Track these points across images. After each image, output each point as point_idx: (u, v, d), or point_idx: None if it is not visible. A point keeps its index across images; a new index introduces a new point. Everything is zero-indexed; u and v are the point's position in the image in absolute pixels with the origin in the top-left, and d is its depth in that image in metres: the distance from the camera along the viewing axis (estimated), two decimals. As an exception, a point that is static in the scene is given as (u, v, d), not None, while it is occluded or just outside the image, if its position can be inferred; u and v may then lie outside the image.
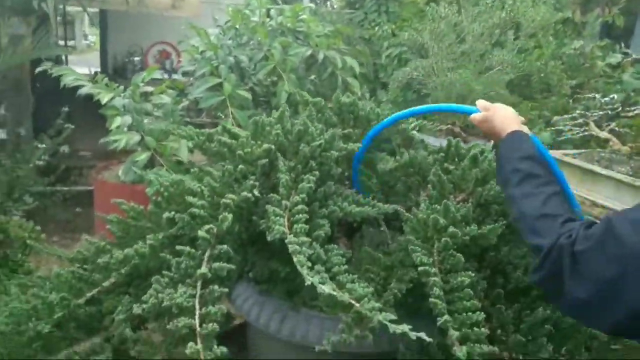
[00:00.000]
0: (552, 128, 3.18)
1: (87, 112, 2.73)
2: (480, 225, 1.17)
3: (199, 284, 0.98)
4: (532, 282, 0.93)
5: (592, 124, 2.29)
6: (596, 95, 2.30)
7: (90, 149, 4.89)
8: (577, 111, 2.38)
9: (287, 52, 2.63)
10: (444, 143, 1.50)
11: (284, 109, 1.28)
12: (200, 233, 1.02)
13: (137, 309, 0.98)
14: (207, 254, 1.03)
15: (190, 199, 1.10)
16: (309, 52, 2.79)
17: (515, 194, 0.97)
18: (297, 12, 2.89)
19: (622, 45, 3.77)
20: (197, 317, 0.92)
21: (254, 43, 2.76)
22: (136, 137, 2.25)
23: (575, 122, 2.32)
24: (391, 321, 0.88)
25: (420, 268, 0.98)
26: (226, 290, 1.00)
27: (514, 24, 3.07)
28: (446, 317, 0.88)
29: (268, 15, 2.95)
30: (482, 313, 0.91)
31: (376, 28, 4.36)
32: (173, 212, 1.20)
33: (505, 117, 1.10)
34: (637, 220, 0.77)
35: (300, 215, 1.02)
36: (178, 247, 1.04)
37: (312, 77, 3.16)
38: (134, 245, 1.19)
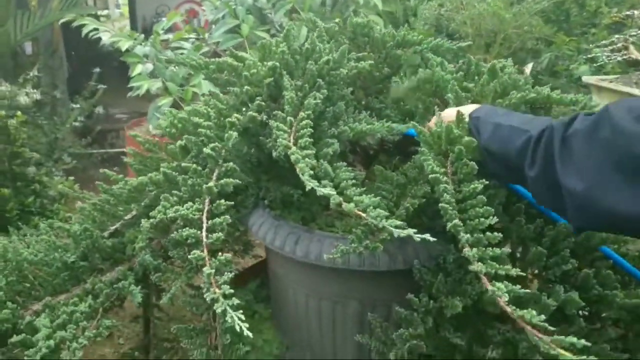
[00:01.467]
0: (590, 57, 3.01)
1: (123, 76, 2.76)
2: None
3: (206, 199, 0.98)
4: (530, 189, 0.85)
5: (631, 47, 2.13)
6: (634, 11, 2.13)
7: (127, 111, 5.00)
8: (616, 35, 2.22)
9: (306, -10, 2.54)
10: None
11: (289, 27, 1.24)
12: (206, 150, 1.01)
13: (145, 224, 0.99)
14: (215, 173, 1.02)
15: (196, 119, 1.09)
16: (329, -9, 2.70)
17: (500, 120, 0.92)
18: (316, -50, 2.78)
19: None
20: (204, 229, 0.92)
21: (272, -17, 2.69)
22: (157, 83, 2.26)
23: (614, 46, 2.17)
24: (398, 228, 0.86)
25: (431, 176, 0.94)
26: (231, 202, 0.99)
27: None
28: (455, 221, 0.85)
29: (287, -44, 2.86)
30: (495, 217, 0.87)
31: (403, -33, 4.16)
32: (184, 141, 1.19)
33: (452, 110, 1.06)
34: (635, 107, 0.70)
35: (305, 130, 0.99)
36: (184, 164, 1.04)
37: (336, 20, 3.08)
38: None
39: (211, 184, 0.98)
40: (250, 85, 1.16)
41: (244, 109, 1.16)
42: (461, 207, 0.94)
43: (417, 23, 3.37)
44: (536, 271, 1.08)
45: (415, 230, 0.83)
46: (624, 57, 2.13)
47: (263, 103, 1.12)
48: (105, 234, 1.32)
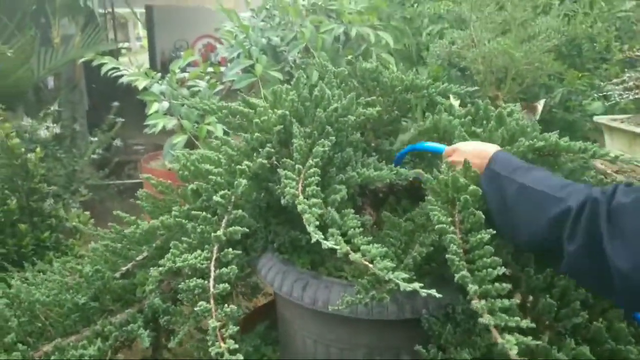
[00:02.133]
0: (602, 95, 3.00)
1: (141, 109, 2.84)
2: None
3: (215, 247, 0.99)
4: (567, 263, 0.80)
5: (644, 86, 2.13)
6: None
7: (144, 142, 5.09)
8: (627, 74, 2.22)
9: (319, 30, 2.61)
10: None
11: (299, 75, 1.27)
12: (216, 198, 1.03)
13: (154, 272, 1.00)
14: (224, 220, 1.04)
15: (207, 166, 1.12)
16: (342, 29, 2.75)
17: (525, 181, 0.89)
18: (329, -10, 2.86)
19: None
20: (211, 278, 0.93)
21: (286, 23, 2.76)
22: (173, 121, 2.31)
23: (626, 85, 2.17)
24: (406, 282, 0.86)
25: (437, 226, 0.94)
26: (239, 252, 1.00)
27: (560, -13, 2.91)
28: (463, 272, 0.85)
29: (300, -4, 2.94)
30: (504, 267, 0.87)
31: (415, 5, 4.24)
32: (196, 184, 1.22)
33: (475, 146, 1.07)
34: None
35: (313, 178, 1.01)
36: (194, 212, 1.05)
37: (348, 56, 3.13)
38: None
39: (220, 232, 0.99)
40: (261, 132, 1.18)
41: (254, 154, 1.18)
42: (469, 257, 0.94)
43: (429, 58, 3.42)
44: (546, 322, 1.07)
45: (421, 285, 0.83)
46: (637, 95, 2.12)
47: (272, 150, 1.14)
48: (117, 274, 1.34)
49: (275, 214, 1.27)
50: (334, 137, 1.16)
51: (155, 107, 2.31)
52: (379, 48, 2.87)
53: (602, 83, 3.46)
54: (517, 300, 0.87)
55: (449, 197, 1.08)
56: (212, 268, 0.95)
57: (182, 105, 2.40)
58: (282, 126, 1.15)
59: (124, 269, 1.34)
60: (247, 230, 1.04)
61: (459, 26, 3.70)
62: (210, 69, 3.02)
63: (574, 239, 0.78)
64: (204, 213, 1.04)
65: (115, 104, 4.02)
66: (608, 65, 3.49)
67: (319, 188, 0.99)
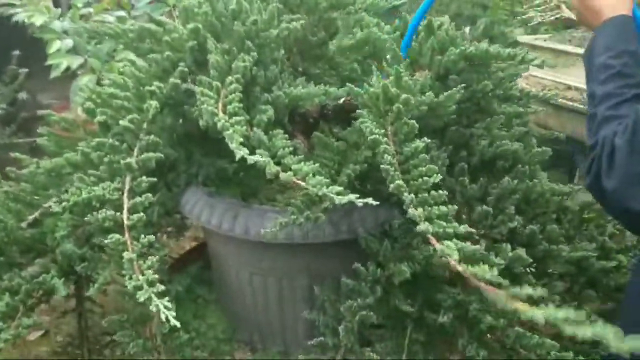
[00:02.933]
0: (524, 20, 3.04)
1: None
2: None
3: (127, 177, 0.88)
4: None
5: (563, 6, 2.15)
6: (565, -32, 2.14)
7: (55, 96, 4.66)
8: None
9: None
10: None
11: (211, -13, 1.14)
12: (123, 122, 0.91)
13: (55, 207, 0.88)
14: (136, 148, 0.93)
15: (111, 90, 0.98)
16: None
17: (596, 92, 0.85)
18: None
19: None
20: (124, 210, 0.83)
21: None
22: (78, 60, 2.08)
23: (547, 5, 2.18)
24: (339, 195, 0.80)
25: (370, 137, 0.88)
26: (154, 179, 0.90)
27: None
28: (398, 181, 0.80)
29: None
30: (439, 175, 0.83)
31: None
32: (104, 116, 1.08)
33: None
34: None
35: (234, 94, 0.91)
36: (98, 140, 0.93)
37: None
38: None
39: (131, 159, 0.88)
40: (172, 50, 1.05)
41: (166, 76, 1.06)
42: (404, 168, 0.89)
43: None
44: (482, 230, 1.06)
45: (357, 196, 0.78)
46: (557, 15, 2.14)
47: (186, 69, 1.02)
48: (23, 224, 1.20)
49: (198, 143, 1.16)
50: (255, 53, 1.05)
51: (56, 45, 2.06)
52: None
53: (522, 8, 3.51)
54: (454, 207, 0.84)
55: (381, 110, 1.02)
56: (125, 199, 0.84)
57: (89, 42, 2.16)
58: (195, 42, 1.03)
59: (30, 217, 1.20)
60: (162, 156, 0.93)
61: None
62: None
63: (587, 175, 0.82)
64: (110, 140, 0.92)
65: (16, 52, 3.62)
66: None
67: (241, 105, 0.89)
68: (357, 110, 1.01)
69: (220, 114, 0.85)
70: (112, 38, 1.27)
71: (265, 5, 1.30)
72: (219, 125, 0.82)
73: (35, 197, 1.20)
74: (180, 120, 1.06)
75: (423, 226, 0.76)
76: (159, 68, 1.05)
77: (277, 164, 0.92)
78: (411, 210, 0.78)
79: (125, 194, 0.85)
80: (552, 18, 2.16)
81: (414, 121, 0.92)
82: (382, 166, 0.84)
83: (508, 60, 1.10)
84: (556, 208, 1.13)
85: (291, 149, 0.93)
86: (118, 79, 1.02)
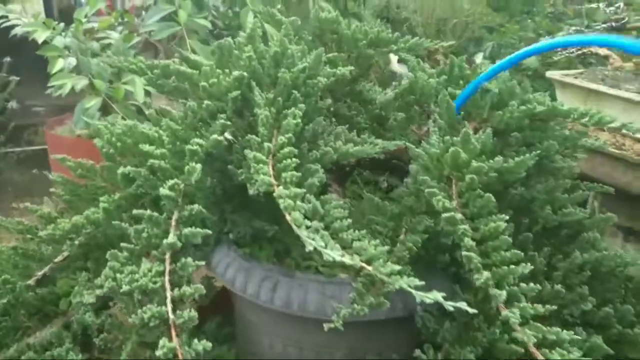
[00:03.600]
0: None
1: (38, 65, 2.38)
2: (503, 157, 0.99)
3: (167, 256, 0.76)
4: None
5: (590, 40, 2.08)
6: (599, 4, 2.08)
7: (45, 104, 4.48)
8: (572, 28, 2.16)
9: (251, -25, 2.30)
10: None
11: (254, 26, 1.03)
12: (163, 191, 0.79)
13: (87, 298, 0.77)
14: (174, 217, 0.81)
15: (146, 147, 0.87)
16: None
17: None
18: None
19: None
20: (168, 301, 0.71)
21: (212, -34, 2.42)
22: (83, 81, 1.95)
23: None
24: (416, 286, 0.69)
25: (444, 215, 0.78)
26: (202, 263, 0.79)
27: None
28: (487, 274, 0.70)
29: None
30: (529, 264, 0.73)
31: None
32: (129, 167, 0.96)
33: None
34: None
35: (289, 160, 0.80)
36: (136, 212, 0.81)
37: (278, 6, 2.85)
38: (84, 210, 0.96)
39: (172, 237, 0.76)
40: (211, 98, 0.94)
41: (203, 128, 0.94)
42: (481, 249, 0.79)
43: (366, 9, 3.22)
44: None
45: (444, 295, 0.67)
46: (579, 51, 2.08)
47: (229, 122, 0.90)
48: (32, 281, 1.07)
49: (229, 197, 1.05)
50: (303, 105, 0.94)
51: (60, 64, 1.93)
52: (315, -4, 2.61)
53: (532, 36, 3.46)
54: (537, 287, 0.75)
55: (445, 174, 0.92)
56: (167, 285, 0.73)
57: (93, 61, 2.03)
58: (239, 92, 0.92)
59: (39, 274, 1.07)
60: (210, 232, 0.81)
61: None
62: (121, 18, 2.63)
63: None
64: (148, 211, 0.80)
65: (7, 59, 3.45)
66: (536, 17, 3.49)
67: (298, 174, 0.78)
68: (412, 167, 0.91)
69: (280, 188, 0.74)
70: (134, 73, 1.15)
71: (301, 43, 1.20)
72: (281, 204, 0.71)
73: (47, 251, 1.07)
74: (217, 179, 0.95)
75: (520, 333, 0.65)
76: (196, 117, 0.93)
77: (333, 236, 0.81)
78: (504, 313, 0.67)
79: (167, 279, 0.73)
80: (575, 54, 2.09)
81: (490, 195, 0.82)
82: (464, 253, 0.74)
83: (579, 119, 1.00)
84: (622, 280, 1.04)
85: (349, 221, 0.82)
86: (151, 133, 0.90)
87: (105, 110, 2.05)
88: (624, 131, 1.72)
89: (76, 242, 1.06)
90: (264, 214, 0.98)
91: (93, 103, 1.89)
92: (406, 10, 2.76)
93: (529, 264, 0.73)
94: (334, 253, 0.65)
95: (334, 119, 1.26)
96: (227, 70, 0.97)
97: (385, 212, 0.96)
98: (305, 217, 0.81)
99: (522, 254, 0.75)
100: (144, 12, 2.52)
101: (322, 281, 0.95)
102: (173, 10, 2.11)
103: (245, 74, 0.91)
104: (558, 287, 0.93)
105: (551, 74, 1.99)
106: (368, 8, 3.13)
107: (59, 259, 1.08)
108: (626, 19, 1.89)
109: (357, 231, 0.81)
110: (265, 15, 1.34)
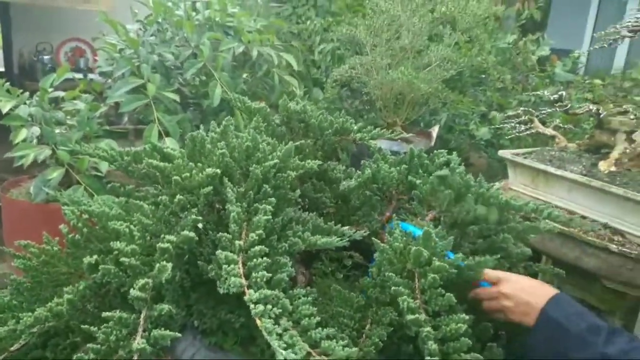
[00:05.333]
0: (493, 126, 3.18)
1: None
2: (459, 251, 1.04)
3: (135, 358, 0.76)
4: None
5: (536, 121, 2.25)
6: (545, 92, 2.26)
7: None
8: (521, 108, 2.33)
9: (218, 49, 2.39)
10: (395, 147, 1.36)
11: (228, 123, 1.08)
12: (134, 292, 0.79)
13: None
14: (142, 316, 0.81)
15: (116, 245, 0.87)
16: (242, 48, 2.56)
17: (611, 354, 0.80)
18: (226, 5, 2.65)
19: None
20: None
21: (180, 39, 2.50)
22: (46, 151, 1.94)
23: (520, 119, 2.27)
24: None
25: (409, 316, 0.82)
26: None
27: (451, 18, 3.01)
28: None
29: (194, 9, 2.69)
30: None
31: (307, 22, 4.17)
32: (95, 256, 0.96)
33: (530, 285, 0.94)
34: None
35: (259, 259, 0.83)
36: (105, 315, 0.81)
37: (245, 75, 2.94)
38: (48, 300, 0.95)
39: (141, 341, 0.76)
40: (183, 192, 0.97)
41: (173, 220, 0.96)
42: (442, 349, 0.82)
43: (328, 82, 3.36)
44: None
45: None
46: (530, 130, 2.23)
47: (199, 217, 0.93)
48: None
49: (196, 287, 1.05)
50: (273, 198, 0.98)
51: (23, 134, 1.91)
52: (281, 69, 2.72)
53: (484, 108, 3.68)
54: None
55: (406, 268, 0.96)
56: (135, 391, 0.72)
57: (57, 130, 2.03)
58: (211, 187, 0.95)
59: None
60: (178, 334, 0.82)
61: (353, 48, 3.71)
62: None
63: None
64: (118, 313, 0.80)
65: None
66: (487, 91, 3.73)
67: (270, 275, 0.81)
68: (376, 256, 0.95)
69: (251, 292, 0.76)
70: (104, 160, 1.17)
71: (270, 130, 1.25)
72: (252, 310, 0.73)
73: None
74: (185, 271, 0.96)
75: None
76: (167, 211, 0.95)
77: (303, 333, 0.83)
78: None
79: (135, 384, 0.73)
80: (526, 133, 2.24)
81: (450, 295, 0.86)
82: (426, 359, 0.77)
83: (532, 214, 1.08)
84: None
85: (318, 319, 0.85)
86: (123, 228, 0.91)
87: (68, 179, 2.03)
88: (571, 208, 1.84)
89: (35, 329, 1.03)
90: (229, 303, 0.99)
91: (55, 175, 1.87)
92: (366, 85, 2.90)
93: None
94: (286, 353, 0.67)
95: (300, 200, 1.30)
96: (199, 165, 1.00)
97: (352, 304, 0.99)
98: (274, 315, 0.83)
99: (481, 357, 0.78)
100: (109, 80, 2.55)
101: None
102: (142, 83, 2.15)
103: (218, 170, 0.95)
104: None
105: (502, 152, 2.12)
106: (331, 78, 3.28)
107: (14, 347, 1.04)
108: (569, 105, 2.06)
109: (324, 329, 0.83)
110: (236, 101, 1.40)
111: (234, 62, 2.76)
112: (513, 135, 2.35)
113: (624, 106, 2.02)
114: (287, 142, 1.19)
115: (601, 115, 1.97)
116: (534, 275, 1.25)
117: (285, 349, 0.75)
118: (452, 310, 0.88)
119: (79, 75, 4.75)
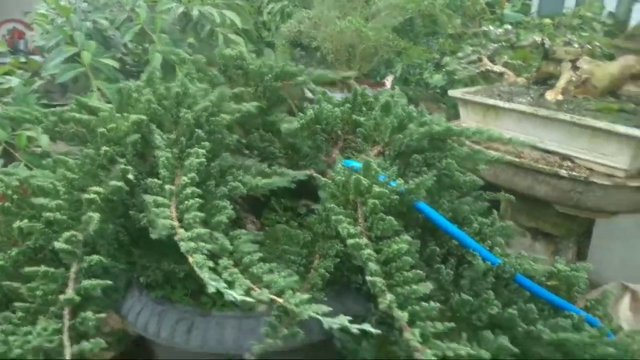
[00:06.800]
0: (441, 67, 3.17)
1: None
2: (404, 179, 1.03)
3: (66, 312, 0.73)
4: None
5: (485, 59, 2.25)
6: (490, 27, 2.25)
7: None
8: (470, 48, 2.32)
9: (155, 10, 2.29)
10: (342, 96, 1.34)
11: (152, 69, 1.03)
12: (59, 245, 0.76)
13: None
14: (72, 270, 0.78)
15: (40, 200, 0.83)
16: (181, 9, 2.46)
17: None
18: (162, -35, 2.53)
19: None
20: (67, 358, 0.67)
21: (114, 3, 2.38)
22: (-20, 130, 1.84)
23: (470, 59, 2.27)
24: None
25: (349, 241, 0.80)
26: (103, 316, 0.76)
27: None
28: (390, 297, 0.73)
29: (126, -29, 2.56)
30: (429, 283, 0.77)
31: (252, -20, 4.03)
32: (25, 221, 0.92)
33: None
34: None
35: (191, 200, 0.80)
36: (28, 269, 0.77)
37: (190, 39, 2.84)
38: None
39: (70, 293, 0.73)
40: (109, 143, 0.92)
41: (102, 173, 0.92)
42: (385, 270, 0.82)
43: (276, 39, 3.29)
44: (461, 317, 1.01)
45: (350, 318, 0.69)
46: (480, 68, 2.23)
47: (129, 167, 0.89)
48: None
49: (136, 241, 1.02)
50: (207, 142, 0.95)
51: (-48, 113, 1.80)
52: (225, 29, 2.63)
53: (437, 56, 3.67)
54: (437, 305, 0.78)
55: (349, 199, 0.95)
56: (66, 342, 0.69)
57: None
58: (138, 135, 0.91)
59: None
60: (111, 283, 0.79)
61: (302, 4, 3.62)
62: (23, 60, 2.52)
63: None
64: (43, 267, 0.76)
65: None
66: (441, 39, 3.71)
67: (202, 214, 0.78)
68: (326, 204, 0.93)
69: (181, 231, 0.73)
70: (28, 122, 1.10)
71: (207, 79, 1.21)
72: (182, 246, 0.71)
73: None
74: (120, 225, 0.92)
75: (422, 353, 0.68)
76: (94, 165, 0.91)
77: (244, 271, 0.82)
78: (406, 334, 0.70)
79: (65, 335, 0.69)
80: (477, 71, 2.25)
81: (391, 218, 0.85)
82: (368, 278, 0.76)
83: (472, 137, 1.08)
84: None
85: (260, 254, 0.83)
86: (47, 184, 0.87)
87: (9, 157, 1.93)
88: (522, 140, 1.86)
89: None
90: (173, 255, 0.96)
91: (-8, 155, 1.78)
92: (316, 39, 2.84)
93: (429, 282, 0.76)
94: (236, 293, 0.65)
95: (247, 152, 1.27)
96: (125, 115, 0.95)
97: (298, 241, 0.97)
98: (214, 255, 0.81)
99: (424, 273, 0.78)
100: (45, 55, 2.43)
101: (239, 316, 0.95)
102: (76, 51, 2.05)
103: (144, 117, 0.90)
104: (465, 295, 0.98)
105: (453, 92, 2.12)
106: (280, 37, 3.20)
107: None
108: (515, 39, 2.06)
109: (267, 264, 0.82)
110: (168, 53, 1.33)
111: (177, 26, 2.67)
112: (465, 78, 2.35)
113: (567, 36, 2.03)
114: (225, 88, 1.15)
115: (546, 46, 1.98)
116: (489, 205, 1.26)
117: (226, 287, 0.73)
118: (396, 234, 0.87)
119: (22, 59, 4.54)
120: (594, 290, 1.99)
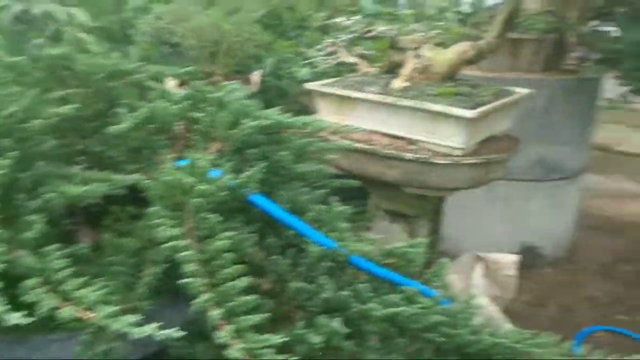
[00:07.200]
0: (309, 61, 3.24)
1: None
2: (237, 174, 1.04)
3: None
4: None
5: (342, 51, 2.33)
6: (343, 18, 2.33)
7: None
8: (330, 40, 2.39)
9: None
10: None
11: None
12: None
13: None
14: None
15: None
16: (19, 7, 2.26)
17: None
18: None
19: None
20: None
21: None
22: None
23: (328, 51, 2.34)
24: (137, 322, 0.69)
25: (168, 244, 0.79)
26: None
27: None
28: (204, 297, 0.73)
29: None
30: (247, 278, 0.78)
31: (111, -25, 3.80)
32: None
33: None
34: None
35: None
36: None
37: (40, 40, 2.62)
38: None
39: None
40: None
41: None
42: (209, 269, 0.82)
43: (138, 37, 3.14)
44: (299, 304, 1.04)
45: (160, 324, 0.68)
46: (336, 59, 2.31)
47: None
48: None
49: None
50: (16, 152, 0.88)
51: None
52: (74, 27, 2.46)
53: (305, 50, 3.74)
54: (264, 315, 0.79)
55: (178, 201, 0.94)
56: None
57: None
58: None
59: None
60: None
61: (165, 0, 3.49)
62: None
63: None
64: None
65: None
66: (308, 32, 3.79)
67: (6, 232, 0.72)
68: (153, 207, 0.91)
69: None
70: None
71: (27, 85, 1.12)
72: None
73: None
74: None
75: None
76: None
77: (54, 290, 0.77)
78: (220, 334, 0.71)
79: None
80: (334, 63, 2.32)
81: (215, 215, 0.86)
82: (187, 281, 0.76)
83: (302, 129, 1.11)
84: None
85: (73, 269, 0.79)
86: None
87: None
88: (372, 128, 1.96)
89: None
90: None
91: None
92: (176, 35, 2.76)
93: (246, 277, 0.78)
94: (16, 316, 0.62)
95: (83, 158, 1.20)
96: None
97: (124, 250, 0.94)
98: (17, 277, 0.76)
99: (245, 268, 0.80)
100: None
101: (64, 337, 0.89)
102: None
103: None
104: (301, 283, 1.01)
105: (310, 85, 2.17)
106: (141, 34, 3.06)
107: None
108: (366, 29, 2.16)
109: (82, 277, 0.78)
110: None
111: (19, 26, 2.44)
112: (332, 70, 2.42)
113: (411, 25, 2.17)
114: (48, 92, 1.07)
115: (392, 36, 2.09)
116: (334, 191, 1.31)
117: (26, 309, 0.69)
118: (224, 231, 0.87)
119: None
120: (451, 263, 2.17)
